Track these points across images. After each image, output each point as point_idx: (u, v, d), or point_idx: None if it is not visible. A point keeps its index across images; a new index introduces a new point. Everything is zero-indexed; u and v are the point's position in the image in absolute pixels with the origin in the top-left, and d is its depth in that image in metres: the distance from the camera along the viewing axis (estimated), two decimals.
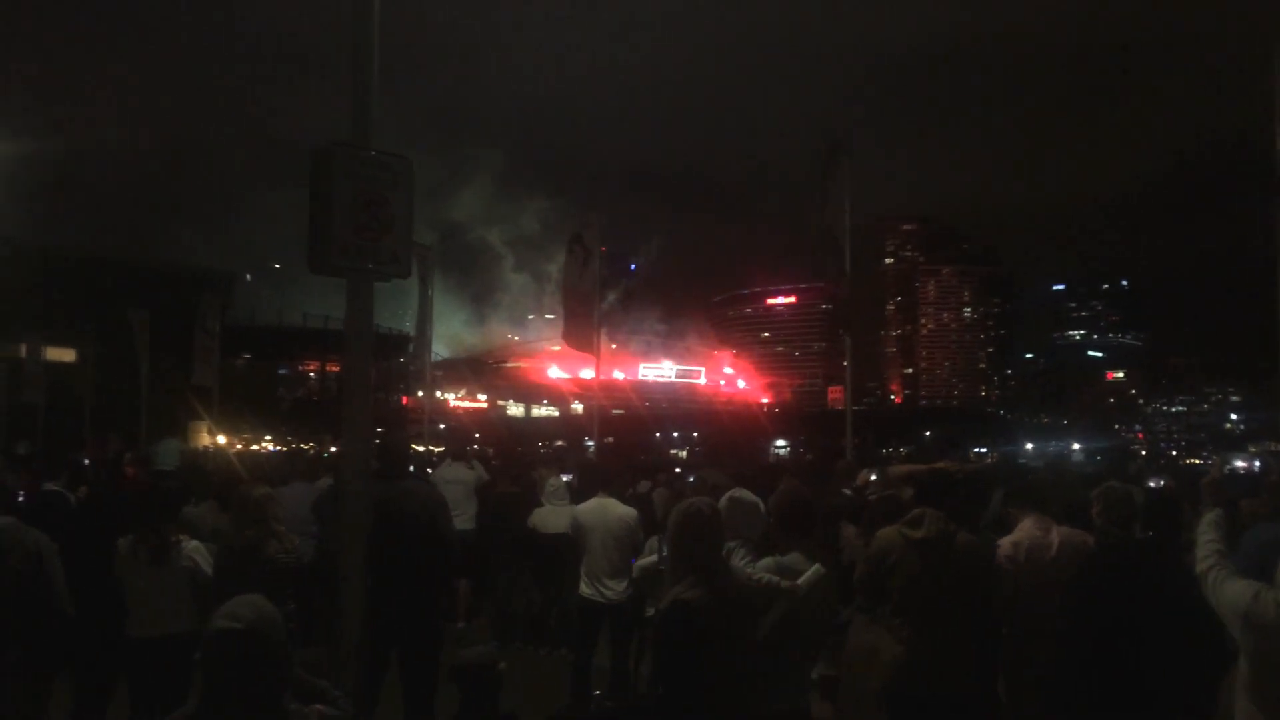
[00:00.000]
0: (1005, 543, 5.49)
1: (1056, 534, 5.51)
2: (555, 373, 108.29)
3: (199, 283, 31.86)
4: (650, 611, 6.74)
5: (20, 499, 7.70)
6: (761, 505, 5.45)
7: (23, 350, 26.75)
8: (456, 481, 10.83)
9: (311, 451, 21.19)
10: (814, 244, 11.83)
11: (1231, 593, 4.04)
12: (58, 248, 38.43)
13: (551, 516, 9.36)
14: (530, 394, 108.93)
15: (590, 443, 17.69)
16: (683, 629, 3.97)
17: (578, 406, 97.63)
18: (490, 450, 18.13)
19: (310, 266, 4.45)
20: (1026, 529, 5.54)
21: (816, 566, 4.79)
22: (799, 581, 4.70)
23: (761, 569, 4.88)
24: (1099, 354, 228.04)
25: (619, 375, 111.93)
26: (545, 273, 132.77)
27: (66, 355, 31.57)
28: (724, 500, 5.22)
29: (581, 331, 14.86)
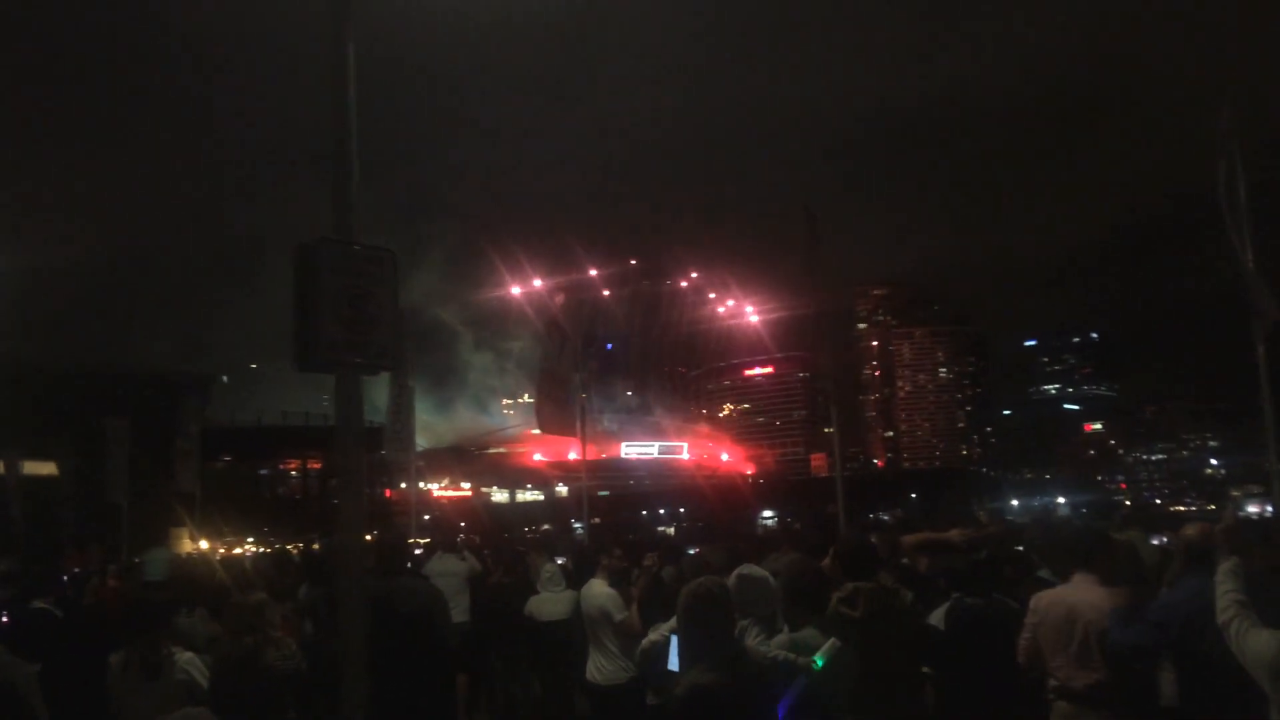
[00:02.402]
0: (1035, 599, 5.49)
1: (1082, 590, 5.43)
2: (539, 456, 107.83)
3: (176, 388, 31.59)
4: (651, 699, 6.58)
5: (4, 619, 7.47)
6: (771, 580, 5.35)
7: (0, 466, 26.34)
8: (450, 574, 10.61)
9: (295, 552, 20.81)
10: (818, 316, 12.52)
11: (1257, 643, 3.97)
12: (31, 362, 38.04)
13: (548, 604, 9.20)
14: (514, 479, 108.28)
15: (578, 525, 17.47)
16: (701, 715, 3.84)
17: (562, 489, 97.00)
18: (477, 538, 17.86)
19: (297, 364, 4.35)
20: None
21: (833, 640, 4.68)
22: (815, 657, 4.59)
23: (776, 646, 4.77)
24: (1075, 406, 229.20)
25: (602, 455, 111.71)
26: (506, 350, 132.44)
27: (46, 469, 31.16)
28: (732, 578, 5.12)
29: (561, 415, 14.73)
